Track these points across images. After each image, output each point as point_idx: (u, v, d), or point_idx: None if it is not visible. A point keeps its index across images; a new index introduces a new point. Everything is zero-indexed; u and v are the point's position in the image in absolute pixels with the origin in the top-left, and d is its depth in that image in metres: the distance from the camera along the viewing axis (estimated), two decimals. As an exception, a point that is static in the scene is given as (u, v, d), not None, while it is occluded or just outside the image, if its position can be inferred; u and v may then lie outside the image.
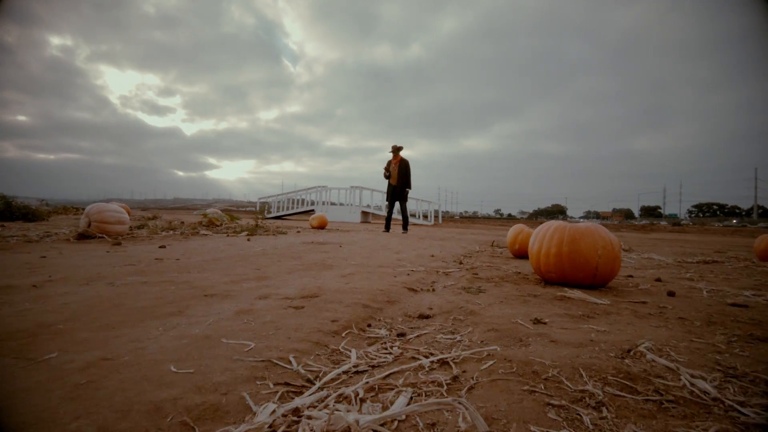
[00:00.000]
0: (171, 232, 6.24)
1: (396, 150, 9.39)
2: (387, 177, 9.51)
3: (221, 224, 7.74)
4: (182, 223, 8.06)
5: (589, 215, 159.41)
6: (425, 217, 18.97)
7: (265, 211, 21.85)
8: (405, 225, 9.68)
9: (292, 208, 21.13)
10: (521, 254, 4.85)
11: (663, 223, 61.60)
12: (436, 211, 19.42)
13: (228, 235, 6.31)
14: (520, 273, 3.44)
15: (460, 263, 4.28)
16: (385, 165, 9.62)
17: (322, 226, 9.61)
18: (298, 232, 8.29)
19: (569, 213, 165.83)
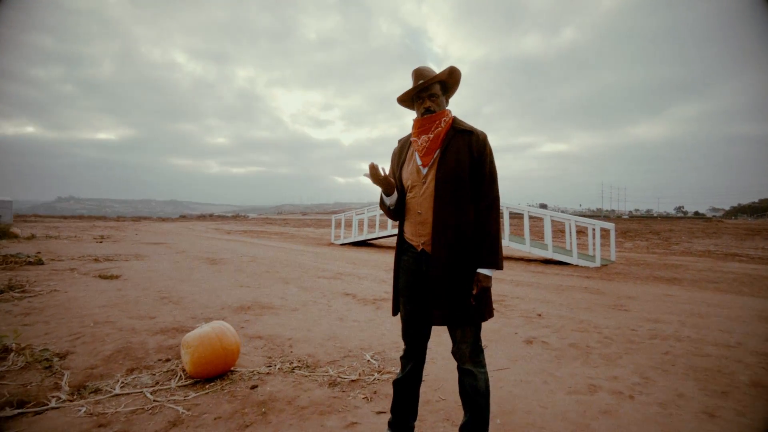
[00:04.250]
0: None
1: (434, 89, 1.95)
2: (387, 205, 2.06)
3: None
4: None
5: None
6: (587, 236, 10.51)
7: (341, 231, 16.08)
8: None
9: (378, 229, 14.82)
10: None
11: None
12: (604, 227, 10.79)
13: None
14: None
15: None
16: (391, 160, 2.18)
17: (213, 372, 2.94)
18: None
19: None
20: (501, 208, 11.55)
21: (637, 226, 40.63)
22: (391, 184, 1.98)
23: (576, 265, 9.55)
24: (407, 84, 2.06)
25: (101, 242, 13.08)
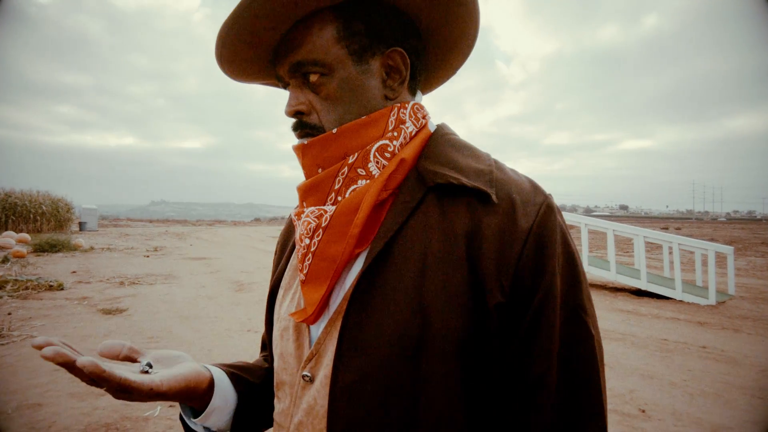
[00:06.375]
0: None
1: (305, 50, 0.54)
2: None
3: None
4: None
5: None
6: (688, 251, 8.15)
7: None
8: None
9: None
10: None
11: None
12: (720, 252, 8.27)
13: None
14: None
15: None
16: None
17: None
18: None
19: None
20: (577, 224, 9.52)
21: (741, 233, 35.21)
22: (161, 393, 0.50)
23: (680, 301, 7.40)
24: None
25: (148, 257, 12.92)
